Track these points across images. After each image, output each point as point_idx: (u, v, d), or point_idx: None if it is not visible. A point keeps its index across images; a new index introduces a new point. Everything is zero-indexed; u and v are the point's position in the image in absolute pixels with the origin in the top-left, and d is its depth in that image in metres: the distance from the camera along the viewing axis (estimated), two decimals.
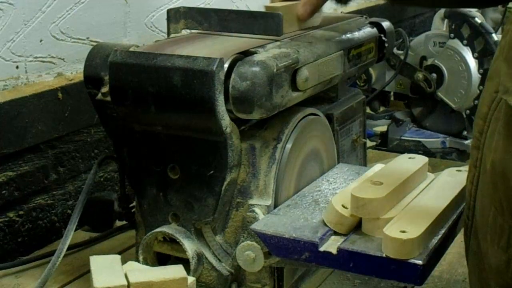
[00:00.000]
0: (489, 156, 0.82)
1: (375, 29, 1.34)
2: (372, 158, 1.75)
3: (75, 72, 1.44)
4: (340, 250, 0.93)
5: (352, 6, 2.10)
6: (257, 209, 1.03)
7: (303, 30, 1.19)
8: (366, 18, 1.38)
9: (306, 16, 1.17)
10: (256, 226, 1.00)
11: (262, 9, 1.19)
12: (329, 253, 0.93)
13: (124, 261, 1.03)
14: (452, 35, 1.99)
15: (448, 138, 2.01)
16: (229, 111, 1.00)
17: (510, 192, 0.78)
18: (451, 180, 1.06)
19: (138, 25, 1.59)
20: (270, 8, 1.17)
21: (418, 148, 1.97)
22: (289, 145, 1.07)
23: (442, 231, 0.95)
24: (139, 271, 1.00)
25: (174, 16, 1.19)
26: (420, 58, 2.06)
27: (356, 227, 0.96)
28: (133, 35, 1.57)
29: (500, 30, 2.34)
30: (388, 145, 1.96)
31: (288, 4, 1.16)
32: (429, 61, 2.04)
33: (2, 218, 1.31)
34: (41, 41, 1.37)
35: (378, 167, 1.14)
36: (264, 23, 1.11)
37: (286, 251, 0.97)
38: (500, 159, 0.79)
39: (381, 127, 2.06)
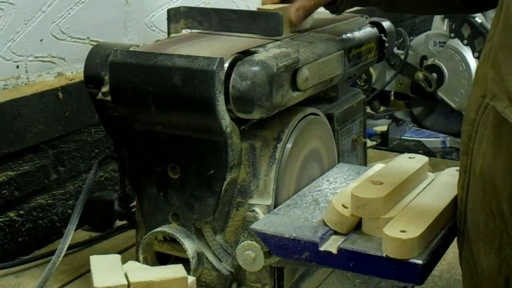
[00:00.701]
0: (478, 162, 0.82)
1: (375, 29, 1.34)
2: (372, 157, 1.75)
3: (75, 71, 1.44)
4: (340, 250, 0.93)
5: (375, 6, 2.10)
6: (257, 209, 1.03)
7: (295, 32, 1.18)
8: (366, 17, 1.38)
9: (298, 21, 1.15)
10: (256, 225, 1.00)
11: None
12: (329, 252, 0.93)
13: (124, 261, 1.03)
14: (452, 34, 1.99)
15: (448, 138, 2.01)
16: (229, 111, 1.00)
17: (499, 197, 0.78)
18: (451, 180, 1.06)
19: (139, 24, 1.59)
20: (262, 10, 1.17)
21: (418, 148, 1.97)
22: (289, 145, 1.07)
23: (442, 231, 0.95)
24: (139, 270, 1.00)
25: (174, 15, 1.19)
26: (420, 58, 2.06)
27: (356, 227, 0.96)
28: (134, 35, 1.57)
29: None
30: (388, 144, 1.96)
31: (280, 7, 1.16)
32: (430, 61, 2.04)
33: (2, 217, 1.31)
34: (41, 40, 1.37)
35: (378, 166, 1.14)
36: (264, 23, 1.11)
37: (286, 251, 0.97)
38: (488, 164, 0.80)
39: (381, 126, 2.06)
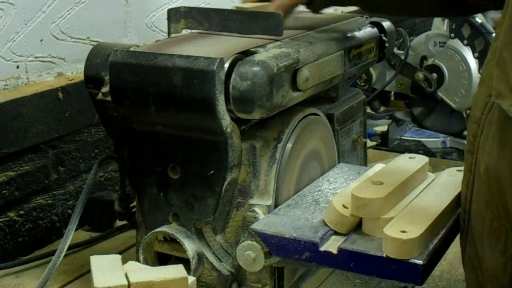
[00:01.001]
0: (483, 160, 0.82)
1: (375, 29, 1.34)
2: (373, 158, 1.75)
3: (75, 72, 1.44)
4: (340, 250, 0.93)
5: (353, 6, 2.10)
6: (257, 209, 1.03)
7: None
8: (366, 18, 1.37)
9: None
10: (256, 226, 0.99)
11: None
12: (330, 253, 0.93)
13: (124, 261, 1.03)
14: (452, 35, 1.99)
15: (448, 138, 2.01)
16: (229, 111, 1.00)
17: (504, 196, 0.78)
18: (452, 180, 1.06)
19: (139, 25, 1.59)
20: (241, 8, 1.16)
21: (418, 148, 1.97)
22: (289, 145, 1.07)
23: (443, 231, 0.95)
24: (139, 271, 1.00)
25: (175, 16, 1.19)
26: (420, 58, 2.06)
27: (357, 227, 0.96)
28: (134, 35, 1.57)
29: None
30: (388, 145, 1.97)
31: (259, 5, 1.15)
32: (430, 61, 2.04)
33: (2, 218, 1.31)
34: (41, 41, 1.37)
35: (378, 167, 1.14)
36: (264, 23, 1.11)
37: (286, 251, 0.97)
38: (494, 163, 0.80)
39: (381, 127, 2.06)
